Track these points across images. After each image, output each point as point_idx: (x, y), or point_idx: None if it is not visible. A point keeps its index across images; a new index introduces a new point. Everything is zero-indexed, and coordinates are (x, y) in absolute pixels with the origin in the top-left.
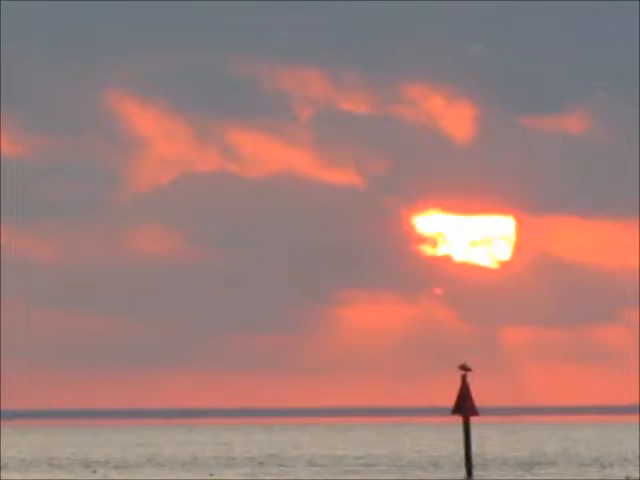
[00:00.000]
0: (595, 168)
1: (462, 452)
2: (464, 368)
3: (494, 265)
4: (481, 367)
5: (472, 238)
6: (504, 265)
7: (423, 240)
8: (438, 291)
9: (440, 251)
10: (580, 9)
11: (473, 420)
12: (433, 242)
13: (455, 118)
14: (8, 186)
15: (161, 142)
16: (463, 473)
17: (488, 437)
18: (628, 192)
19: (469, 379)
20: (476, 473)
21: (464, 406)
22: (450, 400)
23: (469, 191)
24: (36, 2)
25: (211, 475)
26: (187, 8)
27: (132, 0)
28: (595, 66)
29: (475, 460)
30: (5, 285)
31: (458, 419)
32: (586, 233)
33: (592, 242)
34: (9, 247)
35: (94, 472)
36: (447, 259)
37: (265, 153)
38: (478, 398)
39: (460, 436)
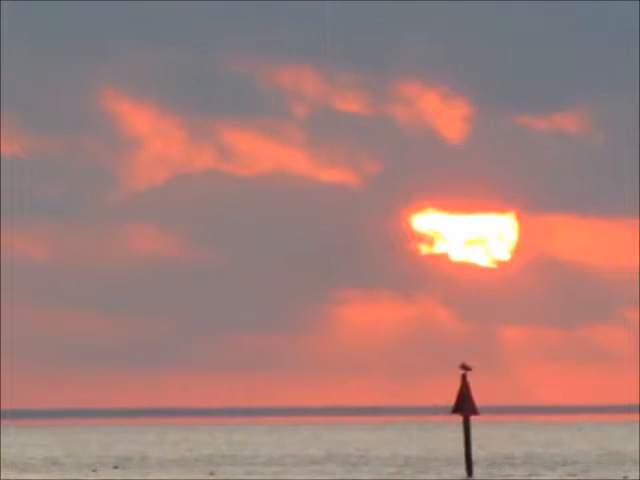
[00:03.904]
0: (594, 168)
1: (462, 451)
2: (464, 367)
3: (492, 264)
4: (480, 366)
5: (469, 237)
6: (502, 264)
7: (420, 239)
8: (435, 289)
9: (437, 250)
10: (579, 7)
11: (473, 419)
12: (430, 241)
13: (451, 117)
14: (5, 186)
15: (156, 142)
16: (463, 472)
17: (488, 436)
18: (628, 192)
19: (469, 378)
20: (476, 472)
21: (464, 405)
22: (450, 399)
23: (466, 190)
24: (35, 2)
25: (211, 474)
26: (182, 7)
27: (128, 0)
28: (594, 65)
29: (475, 459)
30: (4, 285)
31: (458, 418)
32: (585, 233)
33: (591, 242)
34: (9, 247)
35: (94, 471)
36: (444, 258)
37: (260, 152)
38: (477, 397)
39: (460, 435)
